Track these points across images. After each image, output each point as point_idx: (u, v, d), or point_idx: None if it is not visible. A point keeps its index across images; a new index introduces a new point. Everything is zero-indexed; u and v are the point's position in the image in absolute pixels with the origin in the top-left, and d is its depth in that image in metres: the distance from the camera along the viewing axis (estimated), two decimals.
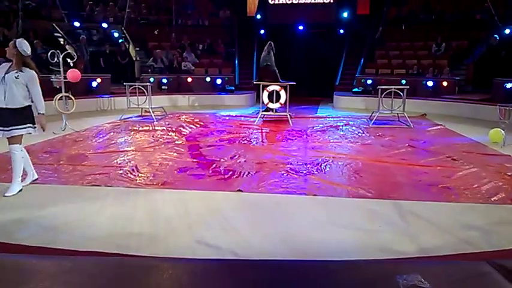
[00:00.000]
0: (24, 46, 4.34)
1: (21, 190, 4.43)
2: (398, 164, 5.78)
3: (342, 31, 16.80)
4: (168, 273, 0.95)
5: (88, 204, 4.10)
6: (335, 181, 4.96)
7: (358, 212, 3.98)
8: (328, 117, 10.74)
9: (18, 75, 4.29)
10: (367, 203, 4.21)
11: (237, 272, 0.97)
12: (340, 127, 9.02)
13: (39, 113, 4.48)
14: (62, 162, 5.74)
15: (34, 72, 4.38)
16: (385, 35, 15.77)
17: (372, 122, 9.43)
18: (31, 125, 4.43)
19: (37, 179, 4.80)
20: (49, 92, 8.68)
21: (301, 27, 16.90)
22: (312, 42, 16.85)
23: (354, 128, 8.93)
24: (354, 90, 13.65)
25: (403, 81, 12.33)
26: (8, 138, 4.35)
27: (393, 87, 9.80)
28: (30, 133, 4.45)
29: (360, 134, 8.27)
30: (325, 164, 5.71)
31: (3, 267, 0.85)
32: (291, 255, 3.04)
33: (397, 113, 9.76)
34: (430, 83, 12.55)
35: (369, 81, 13.45)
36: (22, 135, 4.40)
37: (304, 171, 5.33)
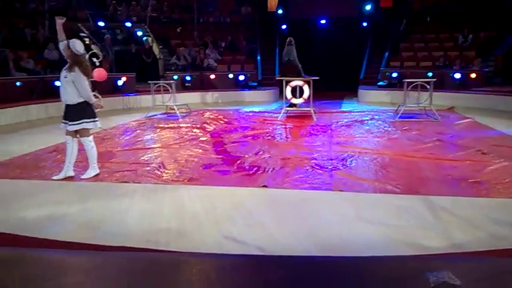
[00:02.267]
0: (77, 46, 4.66)
1: (97, 174, 4.97)
2: (426, 158, 5.66)
3: (365, 24, 16.54)
4: (196, 268, 0.95)
5: (117, 201, 4.19)
6: (361, 176, 4.90)
7: (385, 208, 3.92)
8: (353, 112, 10.60)
9: (66, 75, 4.65)
10: (394, 199, 4.15)
11: (264, 268, 0.97)
12: (366, 121, 8.90)
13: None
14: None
15: (79, 72, 4.63)
16: (410, 27, 15.42)
17: (398, 116, 9.26)
18: (86, 120, 4.78)
19: (72, 176, 4.97)
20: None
21: (323, 21, 16.72)
22: (334, 36, 16.65)
23: (379, 122, 8.79)
24: (378, 83, 13.42)
25: (430, 74, 12.05)
26: (75, 131, 4.82)
27: (419, 80, 9.59)
28: (86, 128, 4.82)
29: (386, 128, 8.14)
30: (350, 159, 5.64)
31: (37, 262, 0.88)
32: (317, 251, 3.03)
33: (424, 107, 9.55)
34: (457, 75, 12.21)
35: (394, 74, 13.19)
36: (87, 129, 4.81)
37: (330, 167, 5.29)
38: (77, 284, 0.76)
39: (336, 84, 16.22)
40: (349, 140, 7.09)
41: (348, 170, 5.17)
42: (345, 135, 7.56)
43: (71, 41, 4.71)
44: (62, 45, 4.78)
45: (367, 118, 9.31)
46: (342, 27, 16.76)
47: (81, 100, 4.73)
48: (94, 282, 0.78)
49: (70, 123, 4.77)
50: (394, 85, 12.67)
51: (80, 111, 4.75)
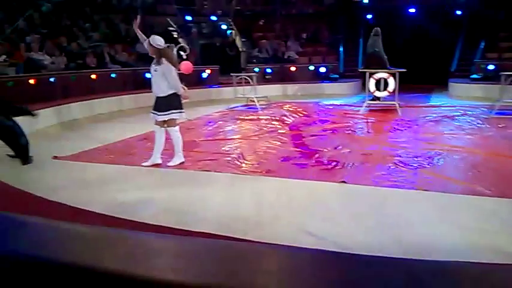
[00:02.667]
0: (157, 40, 4.99)
1: (182, 162, 5.19)
2: None
3: (458, 12, 15.34)
4: (276, 260, 0.96)
5: (200, 188, 4.39)
6: (449, 176, 4.60)
7: (474, 211, 3.65)
8: (443, 107, 9.93)
9: (156, 69, 4.97)
10: (485, 202, 3.83)
11: (343, 265, 0.95)
12: (456, 117, 8.29)
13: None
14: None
15: (168, 63, 4.92)
16: (511, 15, 14.00)
17: (494, 112, 8.49)
18: (174, 111, 5.04)
19: (159, 164, 5.28)
20: None
21: (412, 10, 15.82)
22: (424, 25, 15.66)
23: (472, 118, 8.14)
24: (472, 76, 12.41)
25: None
26: (163, 121, 5.11)
27: None
28: (174, 118, 5.10)
29: (479, 125, 7.52)
30: (438, 157, 5.31)
31: (132, 243, 0.94)
32: (398, 253, 2.91)
33: None
34: None
35: (491, 67, 12.09)
36: (174, 119, 5.07)
37: (414, 164, 5.03)
38: (167, 266, 0.81)
39: (424, 77, 15.32)
40: (437, 136, 6.67)
41: (435, 169, 4.88)
42: (433, 131, 7.12)
43: (150, 38, 5.05)
44: (145, 45, 5.13)
45: (458, 114, 8.67)
46: (432, 15, 15.70)
47: (171, 92, 4.98)
48: (183, 265, 0.83)
49: (159, 113, 5.06)
50: (489, 78, 11.64)
51: (168, 103, 5.02)
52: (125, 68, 11.78)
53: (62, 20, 12.37)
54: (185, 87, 5.43)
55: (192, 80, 11.62)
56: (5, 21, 10.41)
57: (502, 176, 4.52)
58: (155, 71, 4.98)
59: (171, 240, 0.98)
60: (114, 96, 10.40)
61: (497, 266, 2.49)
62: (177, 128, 5.22)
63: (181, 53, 9.13)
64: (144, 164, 5.26)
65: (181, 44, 9.97)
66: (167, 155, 5.57)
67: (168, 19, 15.06)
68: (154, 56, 5.03)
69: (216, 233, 2.74)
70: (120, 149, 6.18)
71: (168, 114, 5.05)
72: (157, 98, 5.09)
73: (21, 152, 5.26)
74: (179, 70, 5.30)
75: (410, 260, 0.96)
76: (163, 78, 4.93)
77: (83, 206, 3.26)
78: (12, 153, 5.33)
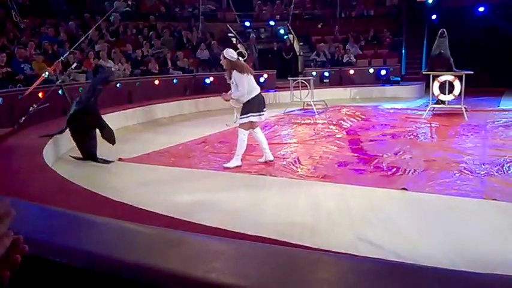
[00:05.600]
0: (230, 53, 5.23)
1: (239, 165, 5.31)
2: None
3: None
4: (334, 269, 0.95)
5: (256, 192, 4.43)
6: None
7: None
8: None
9: (232, 81, 5.22)
10: None
11: (405, 277, 0.92)
12: None
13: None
14: (233, 152, 6.28)
15: (237, 72, 5.15)
16: None
17: None
18: (242, 115, 5.27)
19: (271, 160, 5.47)
20: (224, 88, 9.59)
21: (481, 9, 14.93)
22: (494, 25, 14.72)
23: None
24: None
25: None
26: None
27: None
28: (240, 122, 5.35)
29: None
30: (508, 164, 4.96)
31: (191, 246, 0.97)
32: (464, 266, 2.74)
33: None
34: None
35: None
36: (246, 122, 5.27)
37: (482, 172, 4.73)
38: (226, 268, 0.82)
39: (493, 79, 14.38)
40: (508, 143, 6.22)
41: (505, 177, 4.56)
42: (503, 137, 6.66)
43: (224, 51, 5.29)
44: (223, 63, 5.36)
45: None
46: (504, 14, 14.71)
47: (247, 98, 5.20)
48: (241, 269, 0.84)
49: (239, 117, 5.34)
50: None
51: (244, 108, 5.28)
52: (185, 73, 12.18)
53: (128, 29, 13.05)
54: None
55: None
56: (78, 31, 11.18)
57: None
58: (232, 83, 5.25)
59: (230, 244, 0.99)
60: (175, 101, 10.79)
61: None
62: (244, 131, 5.35)
63: (240, 58, 9.27)
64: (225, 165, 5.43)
65: (240, 50, 10.15)
66: (225, 158, 5.68)
67: (228, 25, 15.39)
68: (226, 68, 5.31)
69: (271, 237, 2.74)
70: (180, 152, 6.38)
71: (240, 118, 5.33)
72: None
73: (90, 157, 5.64)
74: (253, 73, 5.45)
75: (478, 274, 0.92)
76: (237, 88, 5.18)
77: (144, 207, 3.40)
78: (78, 155, 5.73)
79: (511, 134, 6.81)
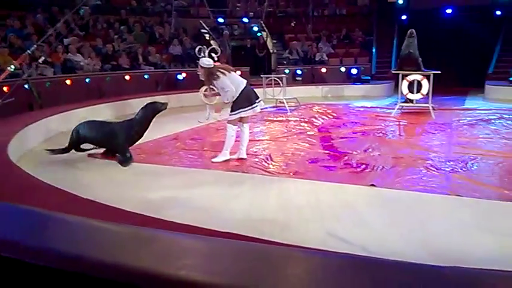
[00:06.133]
0: (205, 61, 5.27)
1: (228, 160, 5.37)
2: None
3: (498, 13, 14.80)
4: (305, 264, 0.97)
5: (227, 189, 4.43)
6: (483, 181, 4.45)
7: (509, 218, 3.53)
8: (478, 110, 9.60)
9: (216, 85, 5.33)
10: None
11: (371, 271, 0.95)
12: (493, 121, 8.01)
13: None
14: (205, 148, 6.27)
15: (217, 78, 5.20)
16: None
17: None
18: (232, 112, 5.30)
19: (244, 158, 5.48)
20: (196, 84, 9.53)
21: (449, 11, 15.38)
22: (461, 26, 15.21)
23: (509, 122, 7.83)
24: (511, 78, 11.98)
25: None
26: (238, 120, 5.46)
27: None
28: (229, 119, 5.38)
29: None
30: (472, 162, 5.16)
31: (163, 243, 0.97)
32: (429, 259, 2.84)
33: None
34: None
35: None
36: (234, 119, 5.33)
37: (448, 169, 4.90)
38: (197, 266, 0.83)
39: (459, 79, 14.88)
40: (472, 140, 6.47)
41: (469, 174, 4.74)
42: (467, 135, 6.91)
43: (199, 62, 5.34)
44: (200, 72, 5.42)
45: (495, 117, 8.36)
46: (470, 16, 15.22)
47: (237, 96, 5.22)
48: (212, 266, 0.85)
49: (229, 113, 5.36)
50: None
51: (232, 106, 5.31)
52: (157, 69, 12.03)
53: (98, 23, 12.75)
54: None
55: None
56: (46, 24, 10.84)
57: None
58: (217, 89, 5.37)
59: (201, 241, 1.00)
60: (147, 97, 10.62)
61: None
62: (233, 126, 5.38)
63: (213, 54, 9.22)
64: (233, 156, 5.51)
65: (213, 46, 10.08)
66: (197, 155, 5.64)
67: (201, 21, 15.28)
68: (204, 78, 5.35)
69: (242, 234, 2.76)
70: (151, 148, 6.31)
71: (230, 114, 5.38)
72: None
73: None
74: (234, 71, 5.45)
75: (443, 267, 0.95)
76: (224, 91, 5.23)
77: (114, 204, 3.35)
78: (51, 148, 5.58)
79: (475, 133, 7.07)
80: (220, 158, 5.40)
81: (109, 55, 11.28)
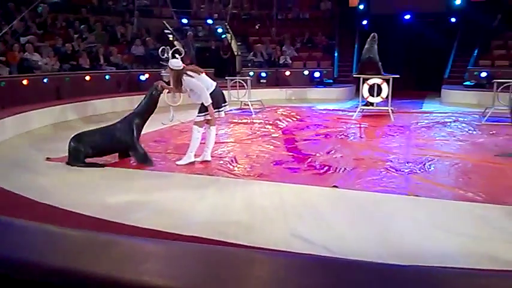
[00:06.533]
0: (174, 63, 5.16)
1: (193, 162, 5.31)
2: None
3: (453, 20, 15.49)
4: (267, 266, 0.98)
5: (192, 192, 4.39)
6: (440, 182, 4.64)
7: (465, 217, 3.69)
8: (435, 113, 10.01)
9: (186, 89, 5.24)
10: (475, 208, 3.88)
11: (332, 271, 0.97)
12: (448, 124, 8.37)
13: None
14: (169, 151, 6.19)
15: (187, 79, 5.12)
16: (504, 23, 14.18)
17: (485, 118, 8.58)
18: (199, 114, 5.28)
19: (208, 161, 5.43)
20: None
21: (407, 17, 15.95)
22: (419, 32, 15.80)
23: (464, 125, 8.21)
24: (465, 83, 12.55)
25: None
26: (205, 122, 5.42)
27: None
28: (196, 120, 5.37)
29: (470, 131, 7.60)
30: (429, 163, 5.36)
31: (122, 248, 0.95)
32: (389, 258, 2.93)
33: None
34: None
35: (483, 74, 12.24)
36: (200, 121, 5.32)
37: (406, 170, 5.07)
38: (158, 271, 0.82)
39: (417, 83, 15.44)
40: (429, 142, 6.73)
41: (426, 175, 4.92)
42: (425, 137, 7.18)
43: (169, 63, 5.23)
44: (169, 73, 5.36)
45: (450, 120, 8.75)
46: (427, 23, 15.84)
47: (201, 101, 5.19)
48: (172, 270, 0.84)
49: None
50: (482, 85, 11.79)
51: (200, 108, 5.27)
52: (119, 69, 11.77)
53: (57, 21, 12.34)
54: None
55: None
56: (1, 21, 10.37)
57: (492, 183, 4.58)
58: (187, 91, 5.28)
59: (161, 245, 0.99)
60: (108, 98, 10.39)
61: (488, 271, 2.51)
62: (199, 128, 5.34)
63: (176, 55, 9.13)
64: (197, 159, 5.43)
65: (176, 47, 9.97)
66: (160, 157, 5.55)
67: (164, 22, 15.07)
68: (174, 79, 5.23)
69: (207, 237, 2.74)
70: None
71: (197, 116, 5.36)
72: None
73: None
74: (203, 73, 5.38)
75: (401, 266, 0.98)
76: (194, 92, 5.19)
77: (73, 209, 3.25)
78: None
79: (432, 135, 7.35)
80: (185, 161, 5.35)
81: (68, 55, 10.93)
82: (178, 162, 5.36)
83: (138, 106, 5.61)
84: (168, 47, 5.32)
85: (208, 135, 5.48)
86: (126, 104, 10.60)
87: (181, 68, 5.17)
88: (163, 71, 9.27)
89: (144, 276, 0.77)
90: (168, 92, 5.47)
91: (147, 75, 11.82)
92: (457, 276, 1.05)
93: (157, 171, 5.17)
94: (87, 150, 5.26)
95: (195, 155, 5.41)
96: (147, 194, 4.28)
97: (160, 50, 5.51)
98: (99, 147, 5.33)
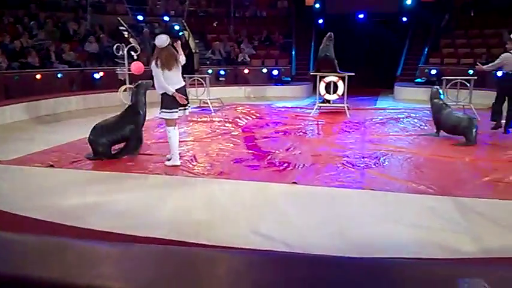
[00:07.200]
0: (157, 40, 5.09)
1: (176, 165, 5.15)
2: (463, 159, 5.49)
3: (404, 19, 16.09)
4: (227, 264, 0.98)
5: (150, 192, 4.31)
6: (394, 176, 4.82)
7: (417, 209, 3.85)
8: (388, 109, 10.38)
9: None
10: (427, 200, 4.06)
11: (292, 266, 0.98)
12: (401, 119, 8.70)
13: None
14: None
15: (154, 64, 5.01)
16: (452, 23, 14.90)
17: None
18: (163, 110, 5.08)
19: (178, 165, 5.20)
20: (114, 83, 9.14)
21: (361, 16, 16.40)
22: (372, 31, 16.31)
23: (415, 120, 8.57)
24: (416, 80, 13.08)
25: (470, 72, 11.61)
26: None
27: (459, 77, 9.27)
28: (162, 118, 5.22)
29: (422, 127, 7.93)
30: (383, 157, 5.55)
31: (77, 252, 0.92)
32: (347, 251, 3.01)
33: (463, 105, 9.23)
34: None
35: (433, 72, 12.81)
36: (168, 119, 5.12)
37: (362, 165, 5.22)
38: (114, 274, 0.80)
39: (371, 81, 15.93)
40: (383, 138, 6.96)
41: (381, 169, 5.09)
42: (379, 133, 7.43)
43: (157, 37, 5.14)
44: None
45: (403, 116, 9.10)
46: (380, 22, 16.39)
47: (162, 91, 5.02)
48: (130, 273, 0.82)
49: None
50: (432, 82, 12.30)
51: (161, 101, 5.11)
52: (72, 67, 11.35)
53: (5, 17, 11.72)
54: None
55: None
56: None
57: (442, 175, 4.81)
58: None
59: (117, 247, 0.96)
60: (61, 97, 10.00)
61: (443, 261, 2.63)
62: (171, 128, 5.16)
63: (132, 53, 8.92)
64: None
65: (132, 44, 9.73)
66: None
67: (119, 18, 14.66)
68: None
69: (166, 238, 2.71)
70: (66, 152, 5.93)
71: (160, 112, 5.13)
72: None
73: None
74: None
75: (358, 258, 1.00)
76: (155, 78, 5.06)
77: (25, 213, 3.11)
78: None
79: (386, 130, 7.62)
80: (172, 162, 5.21)
81: (17, 52, 10.41)
82: (166, 163, 5.25)
83: (132, 99, 5.82)
84: (123, 44, 5.21)
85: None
86: (81, 103, 10.26)
87: (161, 47, 5.04)
88: (118, 69, 9.01)
89: (98, 280, 0.75)
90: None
91: (101, 73, 11.46)
92: (410, 266, 1.10)
93: (115, 172, 5.04)
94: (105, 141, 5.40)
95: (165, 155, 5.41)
96: (103, 196, 4.16)
97: (115, 47, 5.36)
98: (116, 137, 5.53)
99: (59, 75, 10.84)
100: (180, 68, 5.19)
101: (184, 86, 5.26)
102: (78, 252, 0.92)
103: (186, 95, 5.24)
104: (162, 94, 5.05)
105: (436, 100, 6.99)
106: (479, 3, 14.96)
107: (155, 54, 5.09)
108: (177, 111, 5.08)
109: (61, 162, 5.39)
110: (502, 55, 7.43)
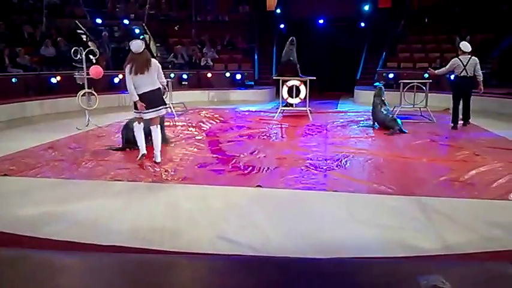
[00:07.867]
0: (131, 45, 5.28)
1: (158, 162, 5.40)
2: (421, 159, 5.70)
3: (363, 25, 16.57)
4: (190, 270, 0.97)
5: (112, 199, 4.20)
6: (356, 177, 4.93)
7: (379, 209, 3.95)
8: (349, 112, 10.64)
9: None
10: (388, 199, 4.18)
11: (257, 269, 0.99)
12: (361, 122, 8.94)
13: None
14: (85, 157, 5.86)
15: (125, 68, 5.24)
16: (408, 29, 15.49)
17: (394, 116, 9.26)
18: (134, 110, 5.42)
19: (158, 162, 5.44)
20: (72, 88, 8.86)
21: (321, 21, 16.74)
22: (332, 36, 16.67)
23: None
24: (375, 84, 13.43)
25: (426, 75, 12.09)
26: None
27: (415, 81, 9.63)
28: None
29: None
30: (345, 159, 5.67)
31: (33, 262, 0.89)
32: (311, 252, 3.05)
33: (420, 108, 9.58)
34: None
35: (391, 75, 13.23)
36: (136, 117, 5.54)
37: (324, 167, 5.31)
38: (72, 285, 0.77)
39: (332, 85, 16.26)
40: (344, 140, 7.12)
41: (343, 171, 5.20)
42: (340, 135, 7.58)
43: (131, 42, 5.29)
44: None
45: (363, 119, 9.34)
46: (339, 27, 16.79)
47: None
48: (89, 283, 0.80)
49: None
50: (390, 86, 12.73)
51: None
52: (27, 72, 10.92)
53: None
54: (95, 93, 5.23)
55: (102, 85, 11.10)
56: None
57: (401, 176, 4.96)
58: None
59: (76, 257, 0.93)
60: (16, 102, 9.59)
61: (403, 259, 2.71)
62: (135, 123, 5.52)
63: (91, 56, 8.68)
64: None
65: (91, 48, 9.48)
66: (76, 164, 5.24)
67: (77, 21, 14.26)
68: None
69: (128, 246, 2.64)
70: (22, 159, 5.68)
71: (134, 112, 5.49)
72: None
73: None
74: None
75: (322, 259, 1.02)
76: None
77: None
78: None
79: (347, 133, 7.79)
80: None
81: None
82: (157, 160, 5.45)
83: None
84: (81, 48, 5.07)
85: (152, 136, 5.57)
86: (37, 108, 9.88)
87: (135, 53, 5.23)
88: (76, 73, 8.74)
89: None
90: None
91: (58, 78, 11.09)
92: (374, 265, 1.12)
93: (74, 179, 4.87)
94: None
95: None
96: (63, 204, 4.01)
97: (72, 51, 5.22)
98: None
99: (14, 80, 10.41)
100: (152, 71, 5.29)
101: (157, 89, 5.37)
102: (35, 263, 0.88)
103: (156, 97, 5.37)
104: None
105: (376, 97, 8.13)
106: (433, 10, 15.63)
107: (130, 59, 5.23)
108: (139, 112, 5.32)
109: (16, 170, 5.16)
110: (452, 60, 8.21)
